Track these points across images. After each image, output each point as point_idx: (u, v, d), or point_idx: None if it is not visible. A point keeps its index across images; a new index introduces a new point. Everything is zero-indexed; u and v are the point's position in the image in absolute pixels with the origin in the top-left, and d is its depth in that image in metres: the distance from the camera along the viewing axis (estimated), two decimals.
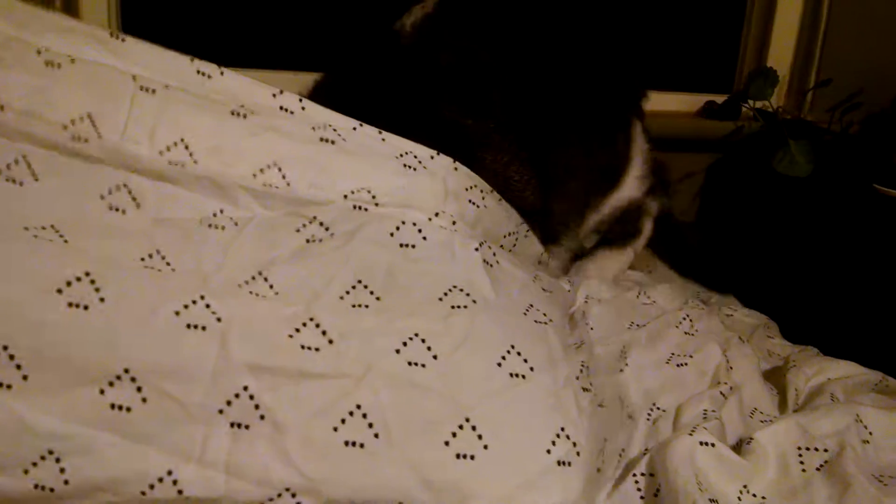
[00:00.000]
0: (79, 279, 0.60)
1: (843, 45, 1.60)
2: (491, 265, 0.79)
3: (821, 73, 1.61)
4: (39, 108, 0.69)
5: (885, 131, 1.46)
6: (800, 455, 0.81)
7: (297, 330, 0.64)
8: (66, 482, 0.56)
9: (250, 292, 0.66)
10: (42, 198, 0.67)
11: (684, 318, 1.08)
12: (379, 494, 0.60)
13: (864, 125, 1.49)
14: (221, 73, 0.79)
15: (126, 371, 0.58)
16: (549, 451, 0.66)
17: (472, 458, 0.63)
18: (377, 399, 0.63)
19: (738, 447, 0.83)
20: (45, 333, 0.58)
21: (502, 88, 1.01)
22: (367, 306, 0.69)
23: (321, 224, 0.73)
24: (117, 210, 0.69)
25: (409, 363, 0.66)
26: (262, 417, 0.60)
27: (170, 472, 0.57)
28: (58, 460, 0.56)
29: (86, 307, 0.60)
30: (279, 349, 0.63)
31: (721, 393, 0.91)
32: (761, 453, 0.80)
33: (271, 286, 0.68)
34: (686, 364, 0.97)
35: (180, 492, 0.56)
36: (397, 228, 0.75)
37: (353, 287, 0.70)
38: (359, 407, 0.62)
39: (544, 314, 0.79)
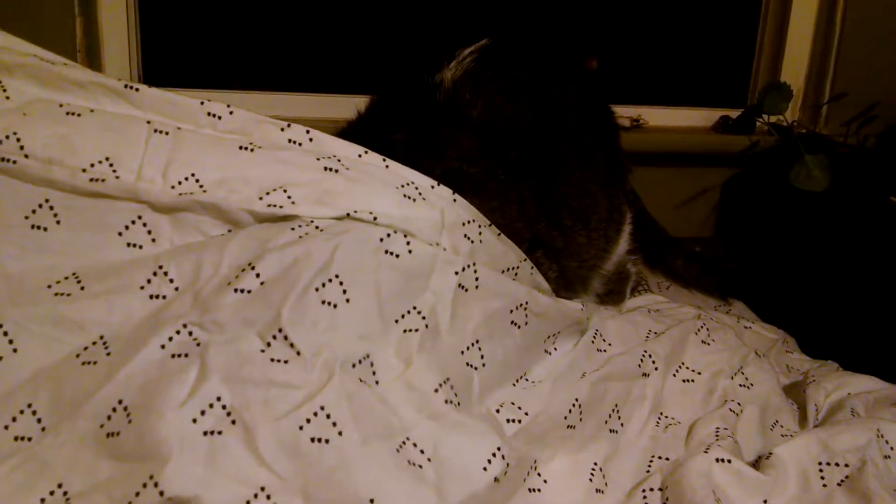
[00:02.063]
0: (94, 343, 0.68)
1: (856, 59, 1.59)
2: (466, 289, 0.82)
3: (835, 87, 1.61)
4: (61, 154, 0.74)
5: None
6: (821, 470, 0.81)
7: (269, 344, 0.69)
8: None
9: (235, 289, 0.70)
10: (64, 242, 0.72)
11: (701, 328, 1.08)
12: (352, 492, 0.63)
13: (879, 138, 1.48)
14: (231, 113, 0.83)
15: (120, 402, 0.64)
16: (485, 469, 0.70)
17: (421, 466, 0.68)
18: (338, 402, 0.67)
19: (758, 463, 0.82)
20: (62, 389, 0.65)
21: (521, 138, 1.10)
22: (335, 305, 0.73)
23: (317, 227, 0.77)
24: (134, 245, 0.74)
25: (360, 380, 0.71)
26: (233, 423, 0.63)
27: (151, 476, 0.59)
28: (65, 493, 0.60)
29: (95, 362, 0.67)
30: (250, 362, 0.67)
31: (731, 410, 0.91)
32: (782, 468, 0.80)
33: (258, 275, 0.71)
34: (693, 381, 0.97)
35: (161, 493, 0.58)
36: (388, 235, 0.78)
37: (330, 280, 0.73)
38: (322, 408, 0.66)
39: (482, 357, 0.83)
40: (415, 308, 0.78)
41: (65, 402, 0.64)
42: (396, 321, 0.76)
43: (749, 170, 1.59)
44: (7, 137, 0.73)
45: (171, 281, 0.72)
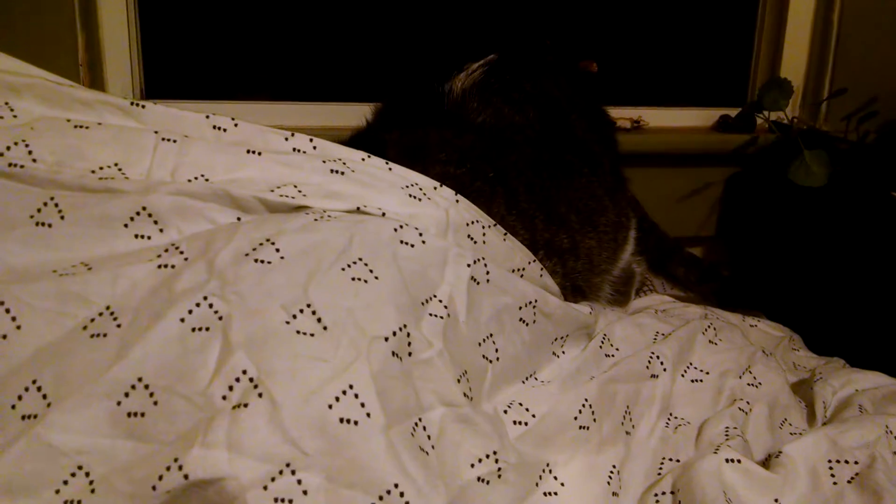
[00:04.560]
0: (101, 314, 0.66)
1: (855, 54, 1.60)
2: (478, 282, 0.83)
3: (834, 83, 1.61)
4: (70, 159, 0.75)
5: None
6: (830, 468, 0.82)
7: (294, 316, 0.67)
8: (92, 491, 0.59)
9: (255, 259, 0.70)
10: (70, 237, 0.71)
11: (708, 327, 1.09)
12: (376, 477, 0.62)
13: (880, 133, 1.49)
14: (235, 125, 0.84)
15: (139, 380, 0.62)
16: (472, 466, 0.70)
17: (427, 453, 0.67)
18: (366, 381, 0.65)
19: (767, 462, 0.83)
20: (69, 364, 0.63)
21: (525, 145, 1.12)
22: (365, 281, 0.72)
23: (330, 217, 0.77)
24: (142, 237, 0.73)
25: (393, 353, 0.69)
26: (260, 395, 0.62)
27: (176, 459, 0.58)
28: (87, 474, 0.59)
29: (104, 335, 0.65)
30: (276, 335, 0.66)
31: (740, 409, 0.91)
32: (791, 467, 0.80)
33: (277, 249, 0.71)
34: (701, 381, 0.98)
35: (186, 476, 0.58)
36: (401, 227, 0.79)
37: (355, 262, 0.73)
38: (351, 387, 0.64)
39: (496, 350, 0.83)
40: (435, 296, 0.77)
41: (73, 377, 0.62)
42: (423, 303, 0.76)
43: (750, 168, 1.60)
44: (16, 144, 0.73)
45: (182, 253, 0.71)
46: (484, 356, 0.82)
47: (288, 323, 0.67)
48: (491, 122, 1.12)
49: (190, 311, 0.65)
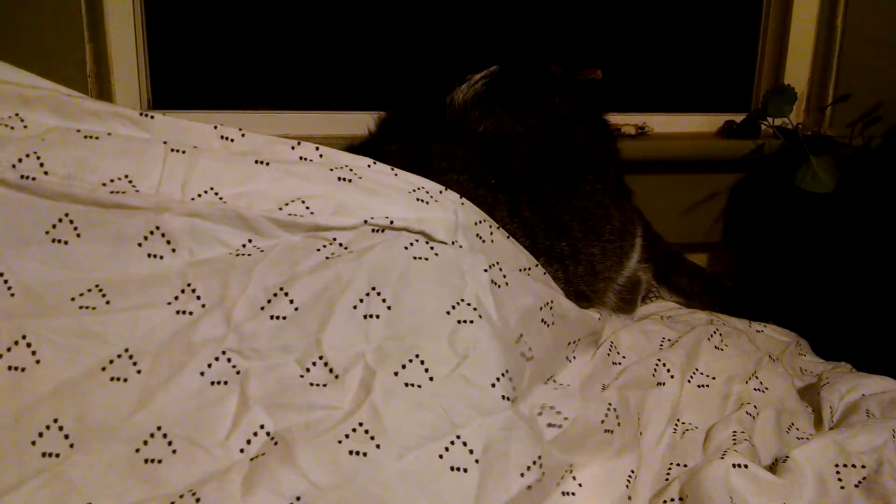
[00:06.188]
0: (119, 356, 0.68)
1: (859, 60, 1.60)
2: (499, 286, 0.83)
3: (838, 89, 1.61)
4: (81, 172, 0.76)
5: None
6: (838, 472, 0.81)
7: (308, 370, 0.70)
8: None
9: (271, 316, 0.72)
10: (85, 255, 0.73)
11: (714, 333, 1.09)
12: None
13: (885, 138, 1.49)
14: (243, 136, 0.86)
15: (158, 428, 0.64)
16: (522, 475, 0.70)
17: (466, 471, 0.67)
18: (377, 416, 0.68)
19: (774, 466, 0.83)
20: (90, 405, 0.65)
21: (527, 153, 1.14)
22: (377, 316, 0.74)
23: (340, 244, 0.79)
24: (155, 256, 0.75)
25: (406, 384, 0.71)
26: (275, 444, 0.65)
27: (190, 489, 0.61)
28: None
29: (125, 380, 0.67)
30: (291, 389, 0.69)
31: (747, 413, 0.91)
32: (798, 472, 0.80)
33: (291, 301, 0.73)
34: (707, 386, 0.98)
35: (198, 500, 0.60)
36: (411, 244, 0.80)
37: (367, 294, 0.75)
38: (361, 424, 0.67)
39: (530, 349, 0.84)
40: (463, 300, 0.78)
41: (94, 420, 0.64)
42: (448, 312, 0.77)
43: (755, 174, 1.60)
44: (27, 156, 0.75)
45: (199, 298, 0.73)
46: (522, 354, 0.82)
47: (302, 376, 0.70)
48: (493, 132, 1.13)
49: (209, 365, 0.69)
